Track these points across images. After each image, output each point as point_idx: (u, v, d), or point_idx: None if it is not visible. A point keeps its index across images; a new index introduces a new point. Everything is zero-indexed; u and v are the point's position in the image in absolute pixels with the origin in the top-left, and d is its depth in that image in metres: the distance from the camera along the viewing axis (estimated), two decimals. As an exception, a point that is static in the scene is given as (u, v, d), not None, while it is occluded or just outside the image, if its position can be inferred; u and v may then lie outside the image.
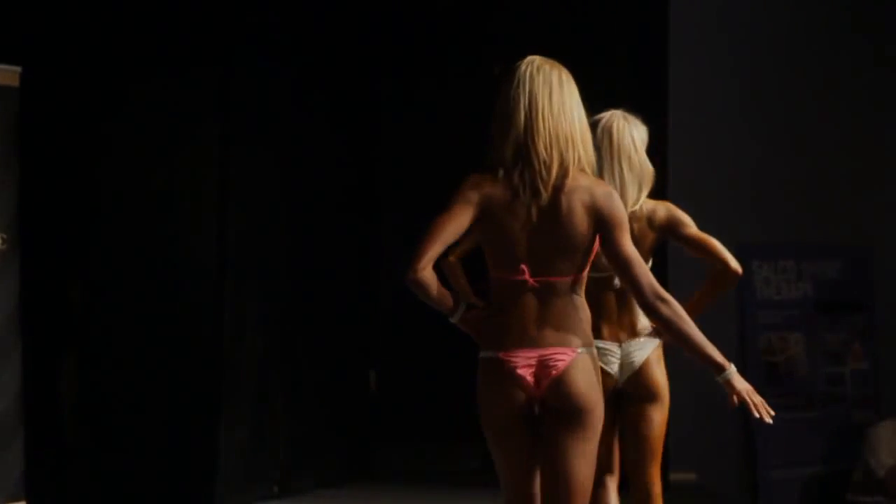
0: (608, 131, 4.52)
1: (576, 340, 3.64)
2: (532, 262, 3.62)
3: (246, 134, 8.08)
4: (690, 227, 4.66)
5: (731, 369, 3.66)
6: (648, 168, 4.56)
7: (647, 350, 4.50)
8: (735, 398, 3.67)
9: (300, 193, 8.33)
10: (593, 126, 4.29)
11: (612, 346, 4.47)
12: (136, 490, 7.62)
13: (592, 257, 3.73)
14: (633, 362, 4.46)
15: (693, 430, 8.51)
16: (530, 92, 3.64)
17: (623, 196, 4.39)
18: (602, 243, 3.66)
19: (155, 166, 7.89)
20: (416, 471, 9.11)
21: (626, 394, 4.48)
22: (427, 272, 3.61)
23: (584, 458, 3.64)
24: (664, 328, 3.71)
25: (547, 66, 3.70)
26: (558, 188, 3.61)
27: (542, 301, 3.64)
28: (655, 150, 8.43)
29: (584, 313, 3.68)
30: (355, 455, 8.81)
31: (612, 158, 4.50)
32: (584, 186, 3.61)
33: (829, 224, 9.15)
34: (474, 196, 3.63)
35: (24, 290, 7.05)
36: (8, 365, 6.92)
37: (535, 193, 3.61)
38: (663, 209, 4.66)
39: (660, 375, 4.50)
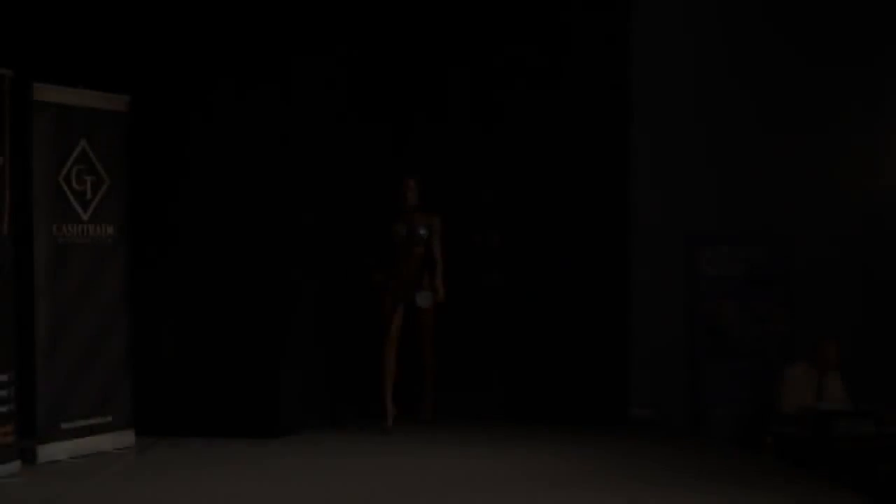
0: None
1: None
2: None
3: (303, 139, 8.58)
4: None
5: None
6: None
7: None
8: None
9: (347, 193, 8.90)
10: None
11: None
12: (217, 421, 8.31)
13: None
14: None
15: (650, 376, 9.46)
16: None
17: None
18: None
19: (232, 170, 8.46)
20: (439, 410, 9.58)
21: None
22: None
23: None
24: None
25: None
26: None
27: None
28: (620, 156, 9.06)
29: None
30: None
31: None
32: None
33: (758, 217, 9.98)
34: None
35: (132, 268, 7.99)
36: (119, 326, 7.89)
37: None
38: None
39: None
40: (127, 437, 8.05)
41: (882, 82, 10.20)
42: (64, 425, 7.63)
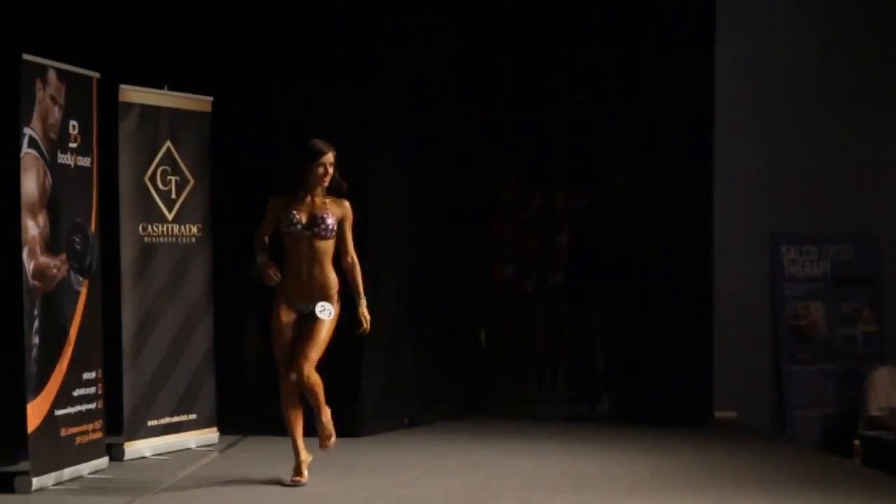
0: None
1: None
2: None
3: (383, 137, 8.61)
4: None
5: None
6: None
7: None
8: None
9: (427, 190, 8.90)
10: None
11: None
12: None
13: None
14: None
15: (734, 378, 9.43)
16: None
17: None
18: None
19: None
20: (514, 407, 10.07)
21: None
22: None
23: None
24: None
25: None
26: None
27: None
28: (705, 157, 9.16)
29: None
30: (469, 395, 9.50)
31: None
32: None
33: (844, 216, 10.04)
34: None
35: (215, 266, 8.07)
36: (203, 324, 7.97)
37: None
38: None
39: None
40: (211, 435, 8.15)
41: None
42: (149, 422, 7.75)
